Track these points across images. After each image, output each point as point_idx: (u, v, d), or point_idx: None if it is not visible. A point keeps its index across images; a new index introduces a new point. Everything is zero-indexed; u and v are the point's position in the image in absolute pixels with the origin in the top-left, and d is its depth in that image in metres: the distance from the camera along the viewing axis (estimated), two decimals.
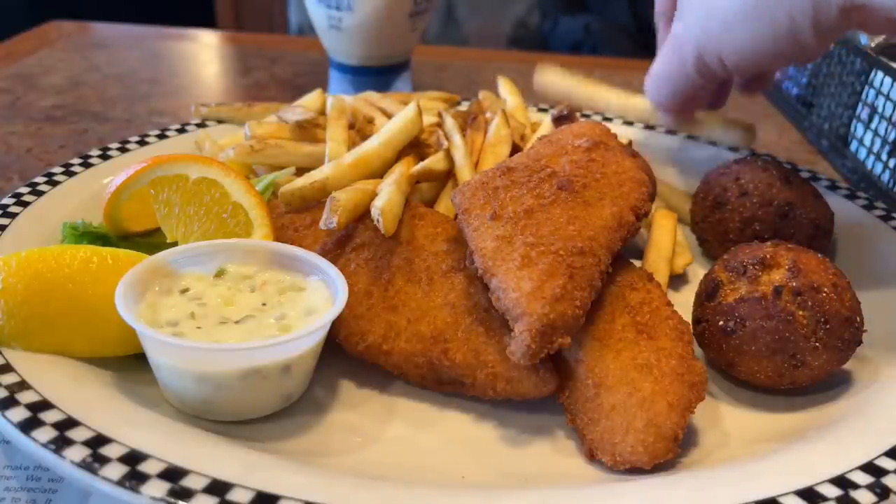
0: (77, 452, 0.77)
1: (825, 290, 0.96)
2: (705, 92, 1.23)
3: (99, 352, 0.95)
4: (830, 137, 1.84)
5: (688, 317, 1.03)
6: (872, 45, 1.65)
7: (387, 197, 1.05)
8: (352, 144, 1.24)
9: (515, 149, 1.29)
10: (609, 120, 1.65)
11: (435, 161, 1.19)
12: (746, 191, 1.21)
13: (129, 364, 0.95)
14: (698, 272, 1.26)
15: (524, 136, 1.38)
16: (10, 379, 0.86)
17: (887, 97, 1.58)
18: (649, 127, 1.65)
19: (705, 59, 1.12)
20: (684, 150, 1.56)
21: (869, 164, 1.65)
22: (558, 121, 1.26)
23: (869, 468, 0.83)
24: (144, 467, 0.76)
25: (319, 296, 0.97)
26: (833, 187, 1.44)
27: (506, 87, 1.51)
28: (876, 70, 1.64)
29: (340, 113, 1.30)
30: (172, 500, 0.73)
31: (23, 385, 0.85)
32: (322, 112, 1.37)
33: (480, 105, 1.45)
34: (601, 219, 0.99)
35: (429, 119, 1.32)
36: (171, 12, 4.14)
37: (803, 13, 0.99)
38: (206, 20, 4.44)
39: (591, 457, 0.89)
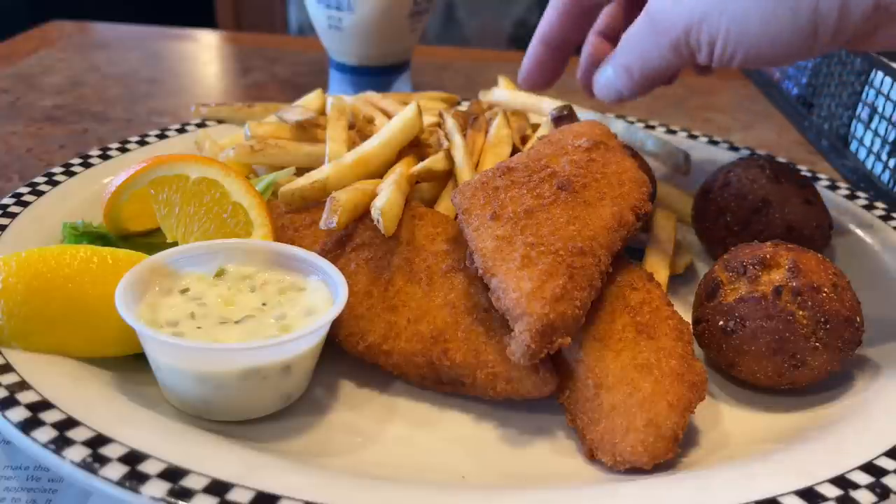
0: (77, 452, 0.77)
1: (825, 290, 0.96)
2: (669, 74, 1.12)
3: (99, 352, 0.95)
4: (830, 137, 1.84)
5: (688, 317, 1.03)
6: None
7: (387, 197, 1.05)
8: (352, 144, 1.24)
9: (516, 149, 1.30)
10: None
11: (435, 161, 1.19)
12: (729, 182, 1.23)
13: (129, 364, 0.95)
14: (698, 272, 1.26)
15: (525, 136, 1.38)
16: (10, 379, 0.86)
17: (887, 97, 1.58)
18: (650, 126, 1.65)
19: (692, 40, 1.00)
20: (686, 151, 1.56)
21: (869, 164, 1.65)
22: (558, 121, 1.26)
23: (869, 468, 0.83)
24: (144, 467, 0.76)
25: (319, 296, 0.97)
26: (833, 187, 1.44)
27: (506, 87, 1.51)
28: (876, 70, 1.64)
29: (340, 113, 1.30)
30: (172, 500, 0.73)
31: (23, 385, 0.85)
32: (322, 112, 1.37)
33: (481, 105, 1.45)
34: (601, 219, 0.99)
35: (429, 119, 1.32)
36: (171, 12, 4.14)
37: (832, 2, 0.90)
38: (206, 20, 4.45)
39: (591, 457, 0.89)
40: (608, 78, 1.16)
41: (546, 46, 1.24)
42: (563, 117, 1.25)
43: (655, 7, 1.05)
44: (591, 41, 1.26)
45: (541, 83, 1.28)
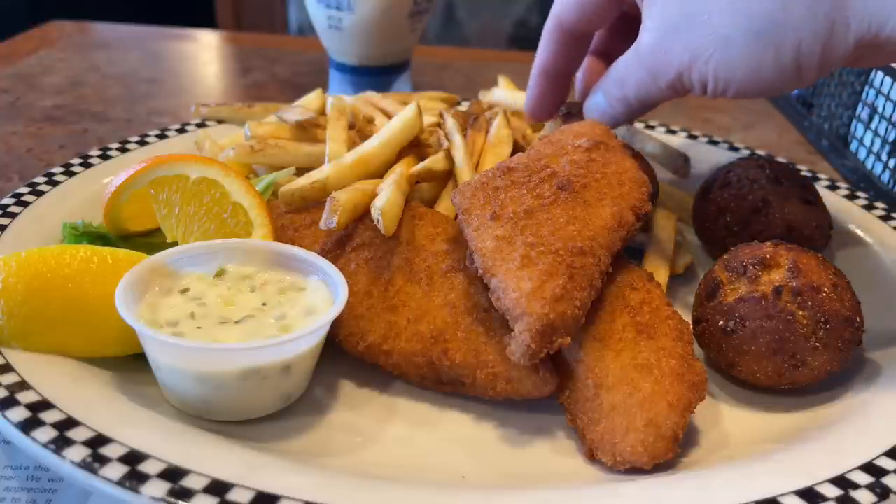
0: (77, 452, 0.77)
1: (825, 290, 0.96)
2: (667, 100, 1.14)
3: (99, 352, 0.95)
4: (830, 137, 1.84)
5: (688, 317, 1.03)
6: None
7: (387, 197, 1.05)
8: (352, 144, 1.24)
9: (516, 150, 1.29)
10: None
11: (435, 161, 1.19)
12: (729, 182, 1.23)
13: (129, 364, 0.95)
14: (698, 272, 1.26)
15: (525, 136, 1.38)
16: (10, 379, 0.86)
17: (887, 97, 1.58)
18: (649, 127, 1.65)
19: (685, 78, 1.04)
20: (687, 151, 1.56)
21: (869, 164, 1.65)
22: (567, 117, 1.26)
23: (869, 468, 0.83)
24: (144, 467, 0.76)
25: (319, 296, 0.97)
26: (833, 187, 1.44)
27: (506, 87, 1.51)
28: (876, 70, 1.64)
29: (340, 113, 1.30)
30: (172, 500, 0.73)
31: (23, 385, 0.85)
32: (322, 112, 1.37)
33: (481, 105, 1.45)
34: (601, 219, 0.99)
35: (429, 119, 1.32)
36: (171, 12, 4.15)
37: (814, 42, 0.93)
38: (206, 20, 4.45)
39: (591, 457, 0.89)
40: (601, 107, 1.18)
41: (545, 76, 1.27)
42: (572, 114, 1.26)
43: (646, 49, 1.07)
44: (585, 61, 1.28)
45: (546, 114, 1.31)
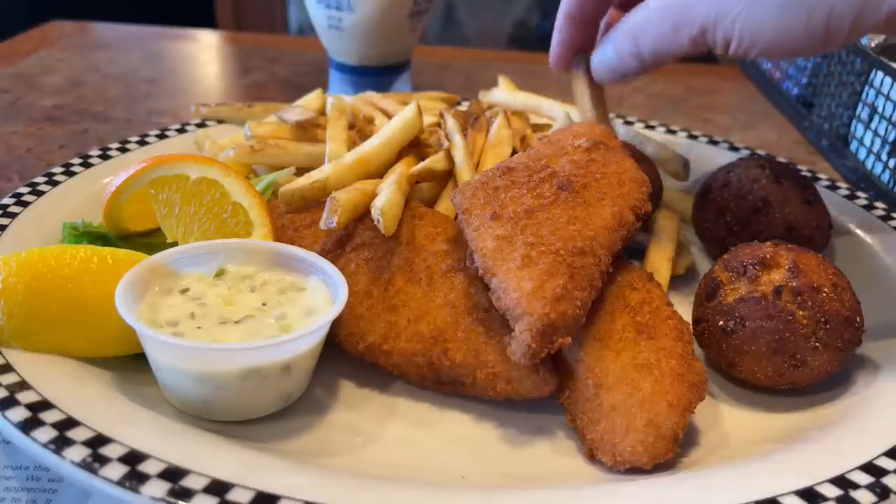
0: (77, 452, 0.77)
1: (825, 290, 0.96)
2: (681, 57, 1.12)
3: (99, 352, 0.95)
4: (830, 137, 1.84)
5: (688, 317, 1.03)
6: (872, 45, 1.65)
7: (387, 197, 1.05)
8: (352, 144, 1.25)
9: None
10: None
11: (435, 161, 1.19)
12: (729, 182, 1.23)
13: (129, 364, 0.95)
14: (699, 272, 1.26)
15: (525, 136, 1.38)
16: (10, 379, 0.86)
17: (887, 97, 1.58)
18: (649, 127, 1.65)
19: (708, 35, 1.01)
20: (687, 151, 1.56)
21: (869, 164, 1.65)
22: (577, 66, 1.24)
23: (869, 468, 0.83)
24: (144, 467, 0.76)
25: (319, 296, 0.97)
26: (833, 187, 1.44)
27: (506, 87, 1.51)
28: (876, 70, 1.64)
29: (340, 113, 1.31)
30: (172, 500, 0.73)
31: (23, 385, 0.85)
32: (322, 112, 1.37)
33: (481, 105, 1.45)
34: (601, 219, 0.99)
35: (429, 119, 1.32)
36: (171, 12, 4.14)
37: (847, 10, 0.92)
38: (206, 20, 4.44)
39: (591, 457, 0.89)
40: (611, 61, 1.15)
41: (570, 21, 1.23)
42: (581, 66, 1.24)
43: (669, 1, 1.05)
44: (607, 13, 1.25)
45: (569, 62, 1.27)
